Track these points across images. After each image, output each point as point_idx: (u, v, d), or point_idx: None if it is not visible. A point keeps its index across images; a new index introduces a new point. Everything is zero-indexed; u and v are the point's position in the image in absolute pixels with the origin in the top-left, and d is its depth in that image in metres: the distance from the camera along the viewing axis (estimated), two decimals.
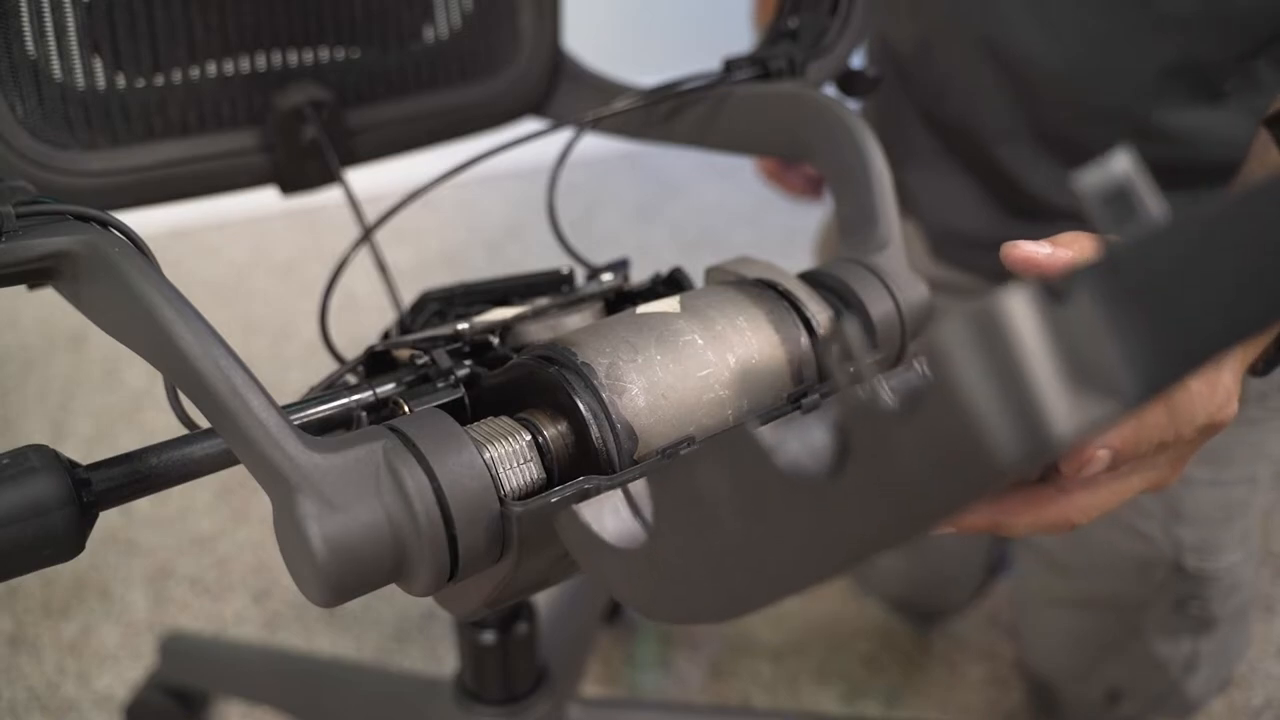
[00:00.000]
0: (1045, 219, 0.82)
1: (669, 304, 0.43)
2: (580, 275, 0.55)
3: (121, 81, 0.57)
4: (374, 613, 1.13)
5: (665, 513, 0.32)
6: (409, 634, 1.11)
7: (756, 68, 0.60)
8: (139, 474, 0.39)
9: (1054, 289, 0.22)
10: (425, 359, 0.46)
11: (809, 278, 0.47)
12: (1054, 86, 0.77)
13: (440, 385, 0.44)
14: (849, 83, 0.63)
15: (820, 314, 0.44)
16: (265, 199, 0.66)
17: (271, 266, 1.84)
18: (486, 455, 0.37)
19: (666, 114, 0.62)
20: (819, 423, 0.39)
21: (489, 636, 0.69)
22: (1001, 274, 0.39)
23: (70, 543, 0.36)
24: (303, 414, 0.43)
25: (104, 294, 0.38)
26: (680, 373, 0.40)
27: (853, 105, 0.58)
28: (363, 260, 0.62)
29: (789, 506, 0.27)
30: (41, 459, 0.36)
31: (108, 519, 0.40)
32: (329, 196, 0.69)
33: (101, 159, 0.57)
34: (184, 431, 0.42)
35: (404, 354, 0.48)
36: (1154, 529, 0.83)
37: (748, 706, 1.05)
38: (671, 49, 1.60)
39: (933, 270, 0.90)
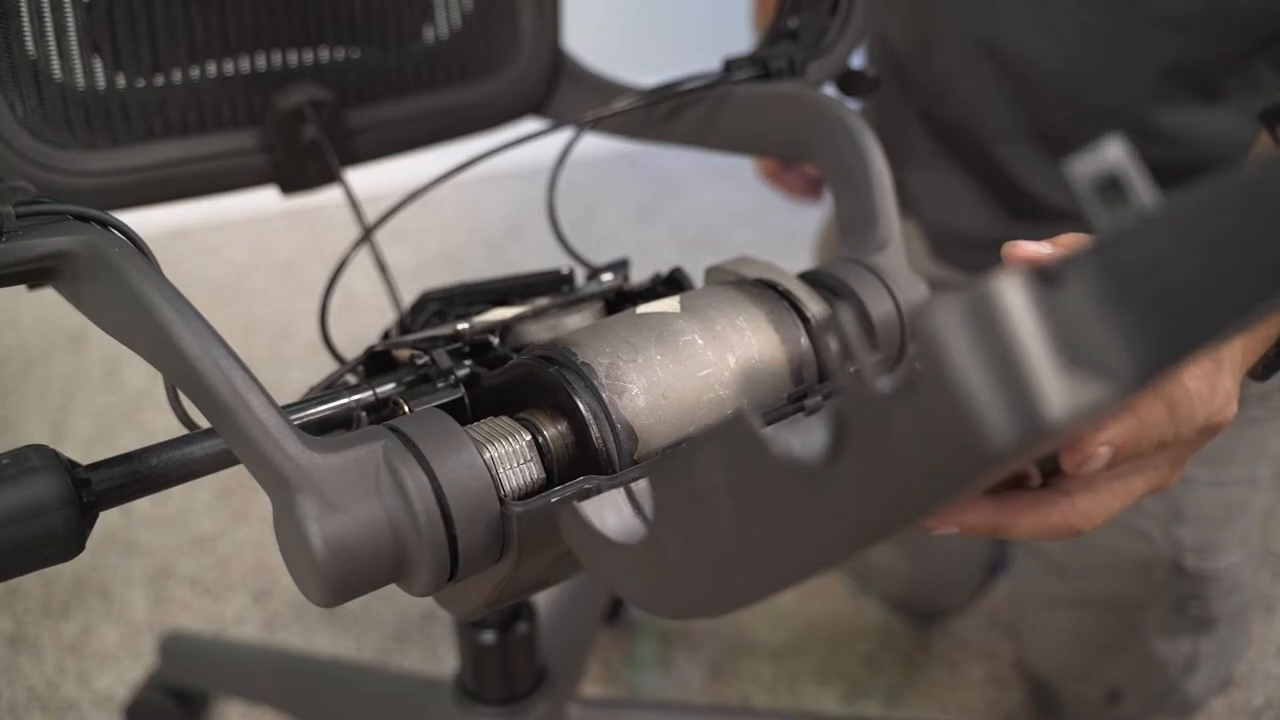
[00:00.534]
0: (1045, 219, 0.82)
1: (669, 304, 0.43)
2: (580, 275, 0.55)
3: (121, 81, 0.57)
4: (374, 613, 1.13)
5: (665, 505, 0.32)
6: (409, 634, 1.11)
7: (756, 68, 0.60)
8: (139, 474, 0.39)
9: (1047, 273, 0.22)
10: (425, 359, 0.46)
11: (809, 278, 0.47)
12: (1054, 86, 0.77)
13: (440, 385, 0.44)
14: (849, 83, 0.63)
15: (820, 314, 0.44)
16: (265, 199, 0.66)
17: (271, 266, 1.84)
18: (486, 455, 0.37)
19: (666, 114, 0.62)
20: (820, 423, 0.39)
21: (489, 636, 0.69)
22: None
23: (70, 543, 0.36)
24: (303, 414, 0.43)
25: (104, 294, 0.38)
26: (680, 373, 0.40)
27: (853, 105, 0.58)
28: (363, 260, 0.62)
29: (786, 495, 0.27)
30: (41, 459, 0.36)
31: (108, 519, 0.40)
32: (329, 196, 0.69)
33: (101, 159, 0.57)
34: (184, 431, 0.42)
35: (404, 354, 0.48)
36: (1154, 529, 0.83)
37: (748, 706, 1.05)
38: (671, 49, 1.60)
39: (933, 270, 0.90)
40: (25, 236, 0.39)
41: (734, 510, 0.29)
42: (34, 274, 0.40)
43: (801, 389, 0.42)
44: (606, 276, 0.53)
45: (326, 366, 0.50)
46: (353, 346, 0.51)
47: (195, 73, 0.59)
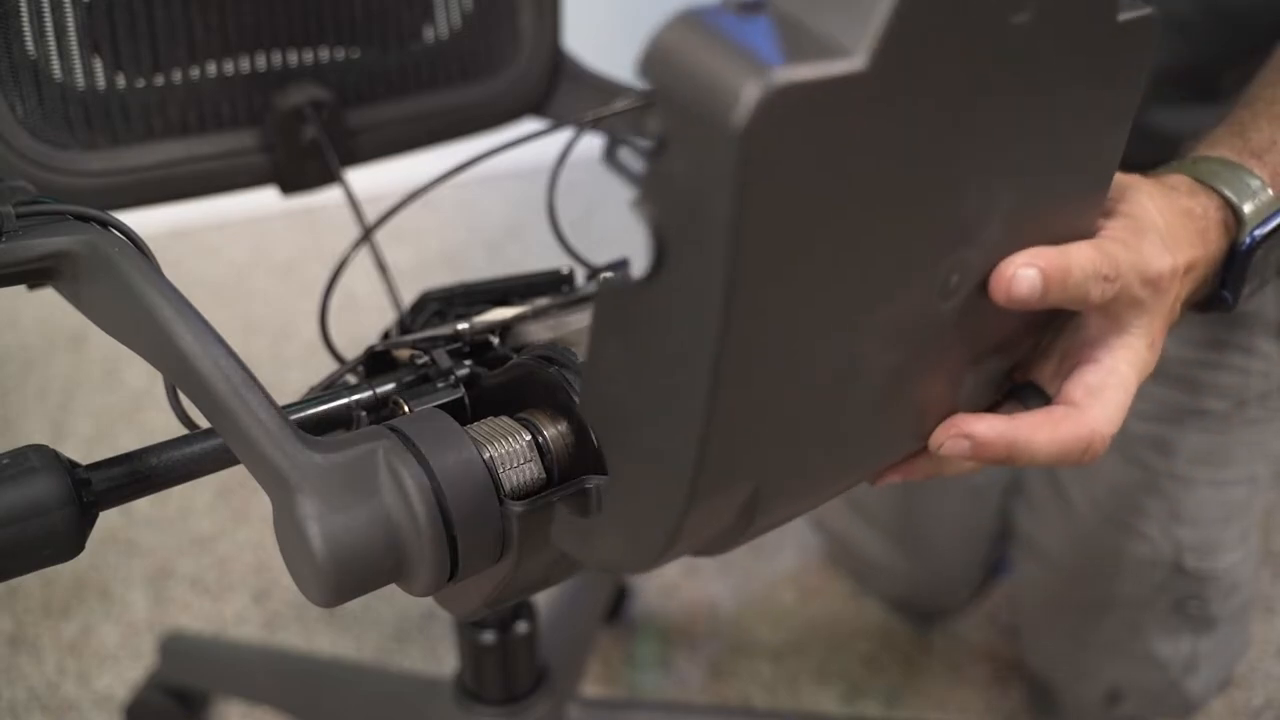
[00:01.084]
0: None
1: None
2: (580, 275, 0.55)
3: (121, 81, 0.57)
4: (374, 613, 1.13)
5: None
6: (409, 634, 1.11)
7: None
8: (139, 474, 0.39)
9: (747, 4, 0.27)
10: (425, 359, 0.46)
11: None
12: None
13: (440, 385, 0.44)
14: None
15: None
16: (265, 199, 0.66)
17: (271, 266, 1.84)
18: (486, 455, 0.37)
19: None
20: None
21: (489, 636, 0.69)
22: None
23: (70, 543, 0.36)
24: (302, 414, 0.43)
25: (104, 294, 0.38)
26: None
27: None
28: (363, 260, 0.62)
29: (655, 317, 0.29)
30: (41, 459, 0.36)
31: (108, 519, 0.40)
32: (329, 196, 0.69)
33: (101, 159, 0.57)
34: (184, 431, 0.42)
35: (404, 354, 0.48)
36: (1154, 529, 0.83)
37: (748, 706, 1.05)
38: None
39: None
40: (25, 236, 0.39)
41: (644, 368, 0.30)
42: (34, 274, 0.40)
43: None
44: (606, 276, 0.53)
45: (326, 366, 0.50)
46: (353, 346, 0.51)
47: (195, 73, 0.60)
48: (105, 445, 1.38)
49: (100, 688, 1.04)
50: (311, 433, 0.36)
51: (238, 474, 0.40)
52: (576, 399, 0.39)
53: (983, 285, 0.37)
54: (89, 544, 0.37)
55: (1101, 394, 0.41)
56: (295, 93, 0.62)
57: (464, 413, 0.44)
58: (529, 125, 0.70)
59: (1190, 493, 0.81)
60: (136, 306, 0.36)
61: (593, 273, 0.55)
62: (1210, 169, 0.48)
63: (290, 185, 0.65)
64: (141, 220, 0.46)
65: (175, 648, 1.00)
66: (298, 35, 0.62)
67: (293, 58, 0.63)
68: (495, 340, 0.48)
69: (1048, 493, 0.90)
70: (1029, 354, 0.45)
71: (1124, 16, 0.35)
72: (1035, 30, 0.32)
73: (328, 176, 0.65)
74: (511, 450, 0.38)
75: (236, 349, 0.35)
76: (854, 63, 0.26)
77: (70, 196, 0.56)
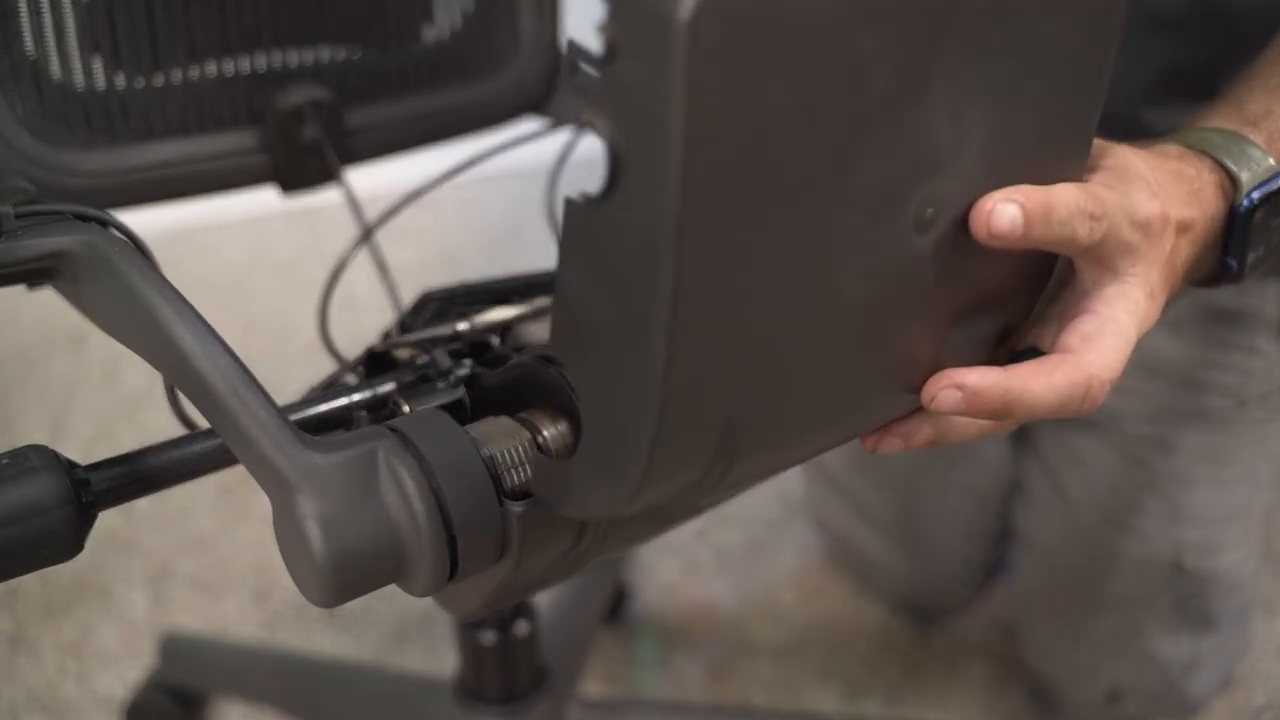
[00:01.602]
0: None
1: None
2: None
3: (121, 81, 0.57)
4: (374, 613, 1.13)
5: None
6: (409, 634, 1.11)
7: None
8: (138, 474, 0.39)
9: None
10: (425, 359, 0.46)
11: None
12: None
13: (440, 385, 0.44)
14: None
15: None
16: (265, 199, 0.66)
17: (271, 266, 1.84)
18: (486, 455, 0.37)
19: None
20: None
21: (489, 636, 0.69)
22: None
23: (69, 543, 0.36)
24: (302, 414, 0.43)
25: (104, 294, 0.38)
26: None
27: None
28: (363, 260, 0.62)
29: (615, 234, 0.28)
30: (41, 459, 0.36)
31: (108, 519, 0.40)
32: (329, 196, 0.69)
33: (101, 159, 0.57)
34: (184, 431, 0.42)
35: (404, 354, 0.48)
36: (1154, 528, 0.83)
37: (748, 706, 1.05)
38: None
39: None
40: (25, 236, 0.39)
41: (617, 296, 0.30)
42: (34, 274, 0.40)
43: None
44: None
45: (326, 366, 0.50)
46: (353, 346, 0.51)
47: (195, 73, 0.59)
48: (105, 445, 1.38)
49: (100, 688, 1.04)
50: (311, 433, 0.36)
51: (238, 474, 0.40)
52: (578, 399, 0.39)
53: (964, 225, 0.36)
54: (89, 544, 0.37)
55: (1099, 339, 0.40)
56: (295, 92, 0.62)
57: (464, 413, 0.44)
58: (529, 125, 0.69)
59: (1191, 492, 0.81)
60: (136, 306, 0.36)
61: None
62: (1203, 136, 0.47)
63: (290, 185, 0.65)
64: (141, 220, 0.46)
65: (175, 648, 1.00)
66: (298, 35, 0.62)
67: (293, 58, 0.63)
68: (495, 340, 0.48)
69: (1047, 492, 0.90)
70: (1025, 320, 0.44)
71: None
72: None
73: (328, 176, 0.65)
74: (511, 450, 0.38)
75: (236, 349, 0.35)
76: None
77: (70, 196, 0.55)
